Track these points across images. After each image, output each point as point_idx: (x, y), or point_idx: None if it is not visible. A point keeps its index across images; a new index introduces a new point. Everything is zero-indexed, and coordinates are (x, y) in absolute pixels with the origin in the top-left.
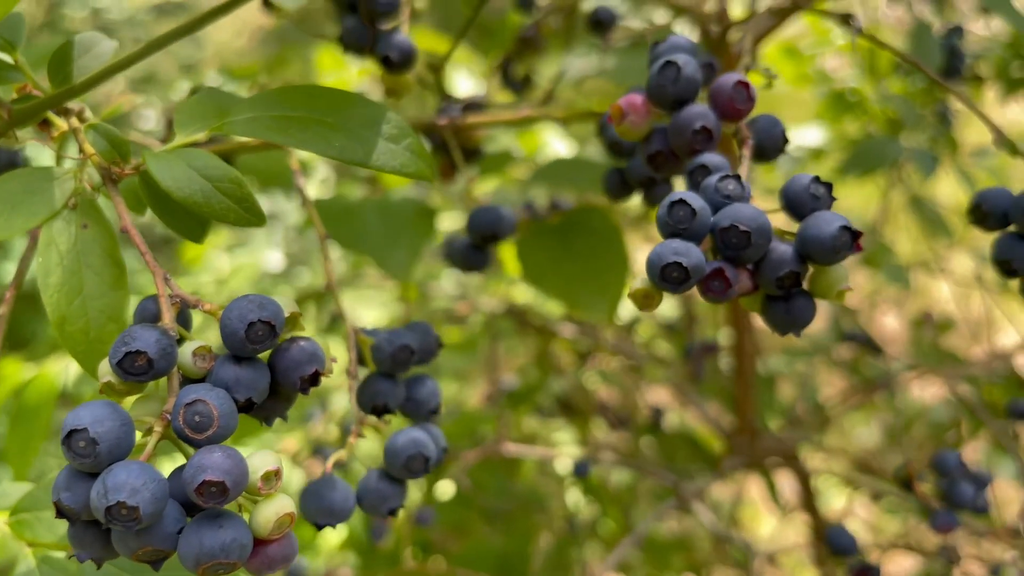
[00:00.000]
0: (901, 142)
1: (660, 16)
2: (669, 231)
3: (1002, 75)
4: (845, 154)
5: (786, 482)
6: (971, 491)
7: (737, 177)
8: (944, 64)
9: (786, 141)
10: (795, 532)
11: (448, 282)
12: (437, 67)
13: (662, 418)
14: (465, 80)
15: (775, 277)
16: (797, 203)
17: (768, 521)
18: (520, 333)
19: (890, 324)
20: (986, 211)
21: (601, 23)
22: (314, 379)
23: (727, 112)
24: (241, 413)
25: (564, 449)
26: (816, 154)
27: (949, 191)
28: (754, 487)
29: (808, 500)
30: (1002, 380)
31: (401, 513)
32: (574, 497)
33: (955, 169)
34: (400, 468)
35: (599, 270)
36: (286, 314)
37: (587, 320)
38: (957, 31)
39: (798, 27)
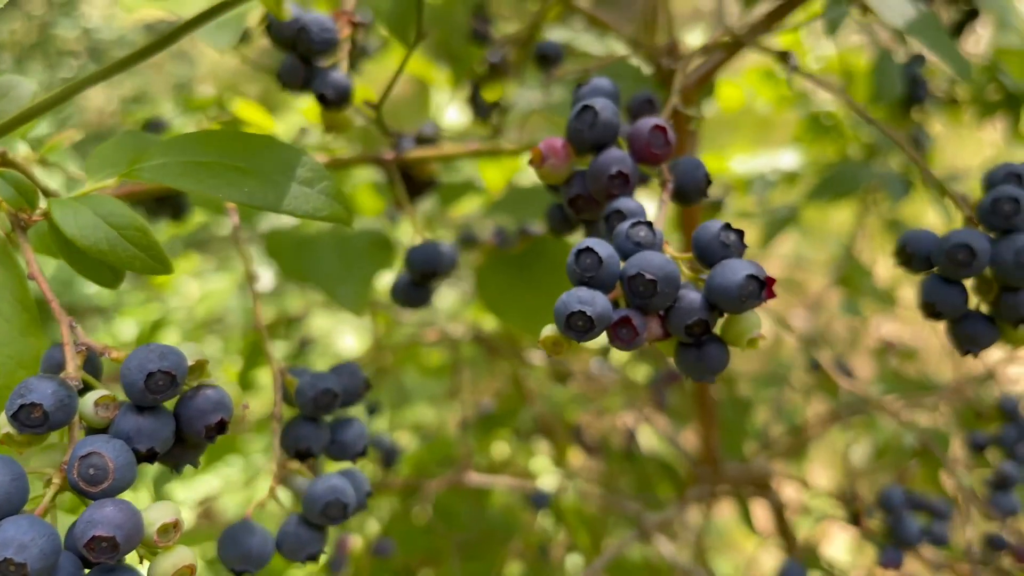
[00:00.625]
0: (874, 167)
1: (620, 48)
2: (577, 279)
3: (977, 99)
4: (818, 178)
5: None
6: (916, 527)
7: (649, 224)
8: (906, 92)
9: (708, 183)
10: (772, 558)
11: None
12: (375, 105)
13: (636, 443)
14: (450, 106)
15: (684, 325)
16: (707, 251)
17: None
18: (491, 359)
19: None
20: (910, 253)
21: (546, 57)
22: (220, 427)
23: (644, 157)
24: (144, 462)
25: (542, 476)
26: (790, 178)
27: (933, 216)
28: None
29: (782, 527)
30: (967, 409)
31: (360, 543)
32: (546, 524)
33: (929, 193)
34: (318, 515)
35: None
36: (190, 363)
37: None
38: (919, 59)
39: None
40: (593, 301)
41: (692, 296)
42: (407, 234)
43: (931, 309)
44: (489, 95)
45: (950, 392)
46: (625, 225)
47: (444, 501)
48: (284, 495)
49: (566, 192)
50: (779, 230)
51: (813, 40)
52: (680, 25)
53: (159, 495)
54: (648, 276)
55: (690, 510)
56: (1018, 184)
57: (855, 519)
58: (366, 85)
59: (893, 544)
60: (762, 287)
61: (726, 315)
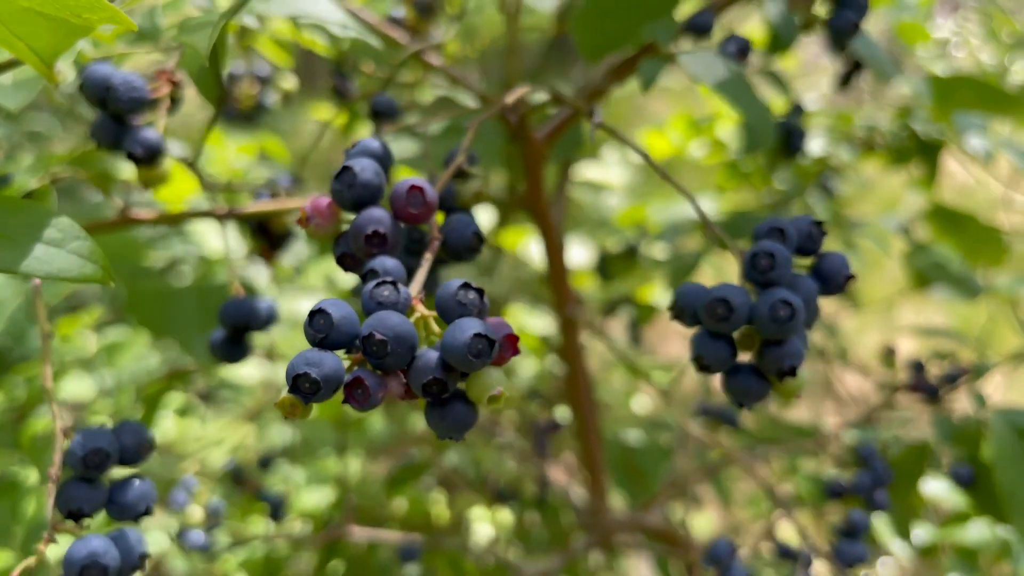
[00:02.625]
0: (777, 214)
1: (471, 103)
2: (311, 339)
3: (892, 147)
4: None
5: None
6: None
7: (394, 283)
8: (782, 143)
9: (480, 241)
10: None
11: None
12: (191, 161)
13: (548, 491)
14: None
15: (421, 384)
16: (445, 310)
17: None
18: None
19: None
20: (681, 307)
21: (379, 113)
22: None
23: (403, 216)
24: None
25: (477, 526)
26: (701, 225)
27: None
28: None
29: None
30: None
31: None
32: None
33: (840, 239)
34: None
35: None
36: None
37: None
38: (797, 111)
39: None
40: (320, 362)
41: (429, 356)
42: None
43: (700, 362)
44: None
45: (829, 438)
46: (370, 285)
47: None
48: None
49: (335, 251)
50: (684, 276)
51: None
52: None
53: None
54: (379, 336)
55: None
56: (780, 239)
57: (689, 572)
58: (279, 136)
59: None
60: (492, 345)
61: (470, 373)
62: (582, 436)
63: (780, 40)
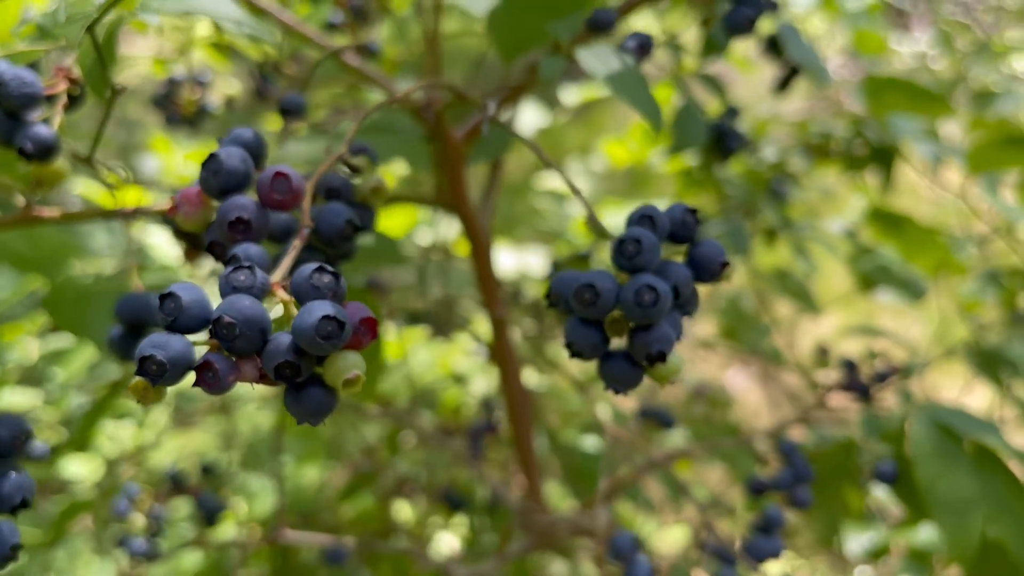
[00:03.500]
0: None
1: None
2: (162, 323)
3: (847, 153)
4: None
5: None
6: (647, 569)
7: (251, 268)
8: (716, 145)
9: (354, 229)
10: None
11: None
12: (86, 158)
13: (502, 497)
14: None
15: (273, 368)
16: (300, 294)
17: None
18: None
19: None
20: (556, 294)
21: (287, 112)
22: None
23: (268, 203)
24: None
25: (441, 537)
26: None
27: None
28: None
29: None
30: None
31: None
32: None
33: (790, 242)
34: None
35: None
36: None
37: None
38: (732, 112)
39: None
40: (167, 345)
41: (282, 339)
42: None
43: (572, 348)
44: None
45: (760, 436)
46: (227, 270)
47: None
48: None
49: (205, 239)
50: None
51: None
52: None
53: None
54: (227, 319)
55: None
56: (650, 226)
57: (598, 563)
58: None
59: None
60: (342, 327)
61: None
62: (516, 437)
63: (713, 43)
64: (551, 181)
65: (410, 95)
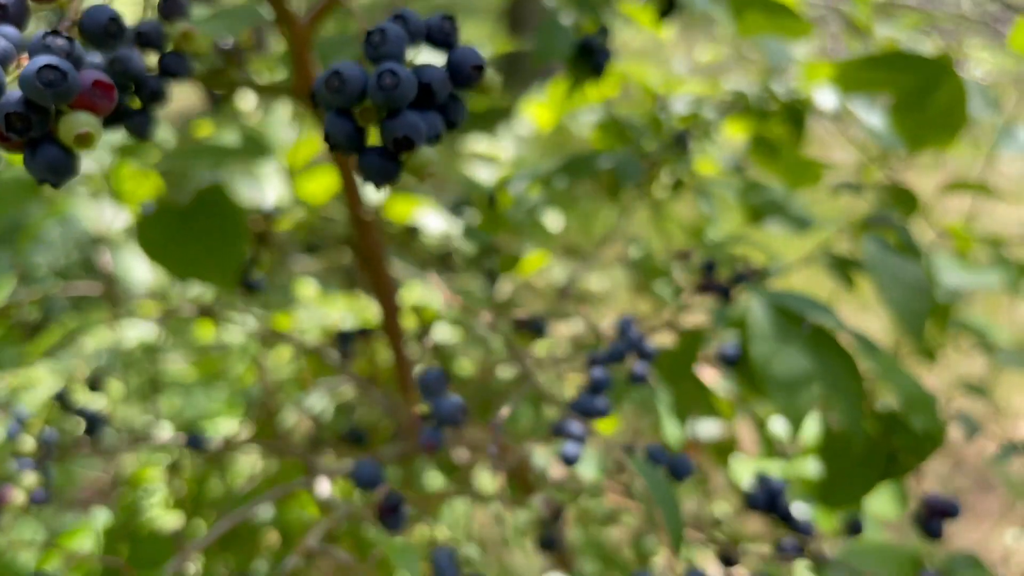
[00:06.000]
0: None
1: None
2: None
3: (756, 109)
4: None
5: None
6: (454, 404)
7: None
8: (584, 60)
9: (117, 25)
10: None
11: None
12: None
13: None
14: None
15: (2, 121)
16: (32, 53)
17: None
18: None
19: None
20: (315, 90)
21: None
22: None
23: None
24: None
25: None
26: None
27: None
28: None
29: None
30: None
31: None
32: None
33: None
34: None
35: (219, 246)
36: None
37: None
38: (603, 31)
39: None
40: None
41: (13, 94)
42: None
43: (329, 141)
44: None
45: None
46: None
47: None
48: None
49: None
50: (526, 218)
51: None
52: None
53: None
54: None
55: None
56: (402, 24)
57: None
58: None
59: (434, 425)
60: (65, 76)
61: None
62: (389, 338)
63: None
64: (477, 145)
65: None
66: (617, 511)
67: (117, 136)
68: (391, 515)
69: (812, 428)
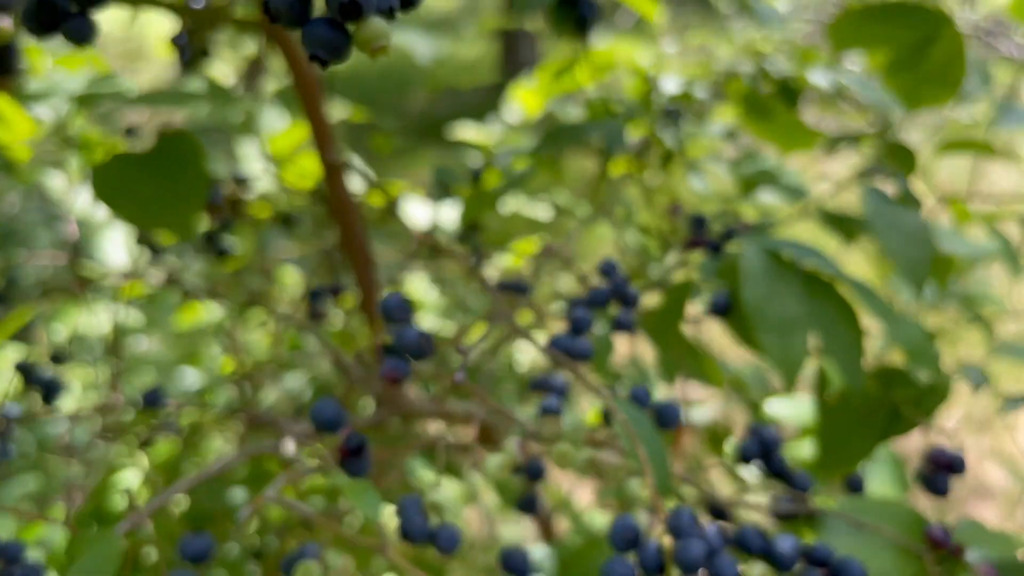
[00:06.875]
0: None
1: None
2: None
3: (751, 91)
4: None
5: None
6: (414, 333)
7: None
8: (568, 15)
9: None
10: None
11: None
12: None
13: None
14: None
15: None
16: None
17: None
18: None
19: None
20: None
21: None
22: None
23: None
24: None
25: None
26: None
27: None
28: None
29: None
30: None
31: None
32: None
33: (684, 163)
34: None
35: (179, 192)
36: None
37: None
38: None
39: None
40: None
41: None
42: None
43: (269, 12)
44: None
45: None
46: None
47: None
48: None
49: None
50: (511, 188)
51: None
52: None
53: None
54: None
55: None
56: None
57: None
58: None
59: (395, 355)
60: None
61: None
62: (363, 297)
63: None
64: (464, 132)
65: None
66: (598, 458)
67: (75, 84)
68: (354, 459)
69: (808, 410)
